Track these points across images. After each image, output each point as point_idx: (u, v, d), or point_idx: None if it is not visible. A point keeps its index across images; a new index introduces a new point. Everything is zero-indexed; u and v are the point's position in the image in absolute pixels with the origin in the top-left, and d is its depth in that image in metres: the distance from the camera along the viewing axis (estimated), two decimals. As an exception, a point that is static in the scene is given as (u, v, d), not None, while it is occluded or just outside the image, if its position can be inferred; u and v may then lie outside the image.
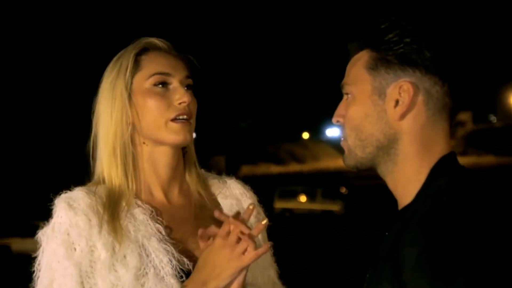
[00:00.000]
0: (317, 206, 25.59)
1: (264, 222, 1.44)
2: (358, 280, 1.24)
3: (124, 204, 1.50)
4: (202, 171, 1.69)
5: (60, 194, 1.50)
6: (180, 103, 1.52)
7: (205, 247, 1.47)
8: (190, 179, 1.62)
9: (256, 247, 1.41)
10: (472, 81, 1.25)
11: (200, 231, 1.49)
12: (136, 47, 1.55)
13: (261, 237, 1.57)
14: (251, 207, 1.49)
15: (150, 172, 1.55)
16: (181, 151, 1.60)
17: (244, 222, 1.45)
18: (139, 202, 1.52)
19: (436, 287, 1.06)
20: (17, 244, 16.01)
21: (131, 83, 1.53)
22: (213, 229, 1.48)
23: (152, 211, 1.52)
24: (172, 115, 1.51)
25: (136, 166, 1.55)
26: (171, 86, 1.53)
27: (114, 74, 1.54)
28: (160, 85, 1.52)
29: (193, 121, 1.55)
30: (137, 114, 1.53)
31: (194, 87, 1.59)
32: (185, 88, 1.55)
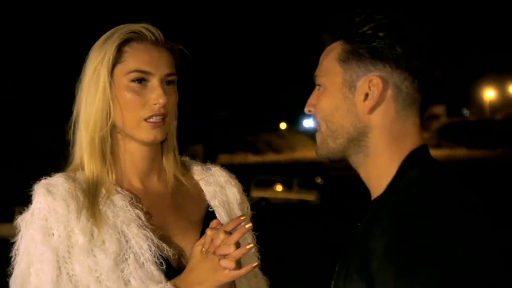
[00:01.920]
0: (293, 196, 25.63)
1: (248, 226, 1.42)
2: (332, 269, 1.26)
3: (103, 190, 1.50)
4: (187, 158, 1.69)
5: (39, 180, 1.49)
6: (155, 104, 1.50)
7: (198, 245, 1.46)
8: (168, 165, 1.61)
9: (238, 266, 1.40)
10: (442, 78, 1.25)
11: (214, 223, 1.45)
12: (120, 37, 1.51)
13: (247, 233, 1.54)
14: (242, 217, 1.45)
15: (128, 162, 1.55)
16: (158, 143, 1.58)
17: (226, 232, 1.41)
18: (119, 189, 1.52)
19: (403, 278, 1.06)
20: (-6, 229, 16.05)
21: (112, 73, 1.50)
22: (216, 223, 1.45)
23: (131, 198, 1.51)
24: (146, 115, 1.50)
25: (114, 155, 1.54)
26: (149, 84, 1.50)
27: (98, 62, 1.51)
28: (137, 82, 1.50)
29: (168, 119, 1.53)
30: (113, 106, 1.51)
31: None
32: (166, 83, 1.52)
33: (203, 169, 1.68)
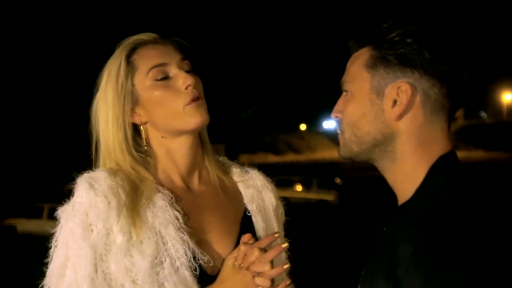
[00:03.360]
0: (312, 196, 25.72)
1: (284, 245, 1.43)
2: (350, 267, 1.37)
3: (145, 190, 1.49)
4: (225, 159, 1.70)
5: (82, 174, 1.49)
6: (186, 87, 1.51)
7: (230, 257, 1.47)
8: (210, 165, 1.62)
9: (272, 284, 1.42)
10: (469, 83, 1.24)
11: (246, 237, 1.47)
12: (124, 50, 1.54)
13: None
14: (276, 235, 1.46)
15: (169, 164, 1.55)
16: (199, 140, 1.59)
17: (260, 250, 1.43)
18: (160, 188, 1.51)
19: (431, 284, 1.06)
20: (22, 225, 16.46)
21: (132, 85, 1.52)
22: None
23: (171, 198, 1.50)
24: (186, 100, 1.50)
25: (156, 156, 1.55)
26: (171, 75, 1.52)
27: (103, 83, 1.54)
28: (161, 78, 1.52)
29: (204, 100, 1.55)
30: (148, 111, 1.52)
31: (196, 72, 1.57)
32: (185, 72, 1.53)
33: (242, 171, 1.69)
